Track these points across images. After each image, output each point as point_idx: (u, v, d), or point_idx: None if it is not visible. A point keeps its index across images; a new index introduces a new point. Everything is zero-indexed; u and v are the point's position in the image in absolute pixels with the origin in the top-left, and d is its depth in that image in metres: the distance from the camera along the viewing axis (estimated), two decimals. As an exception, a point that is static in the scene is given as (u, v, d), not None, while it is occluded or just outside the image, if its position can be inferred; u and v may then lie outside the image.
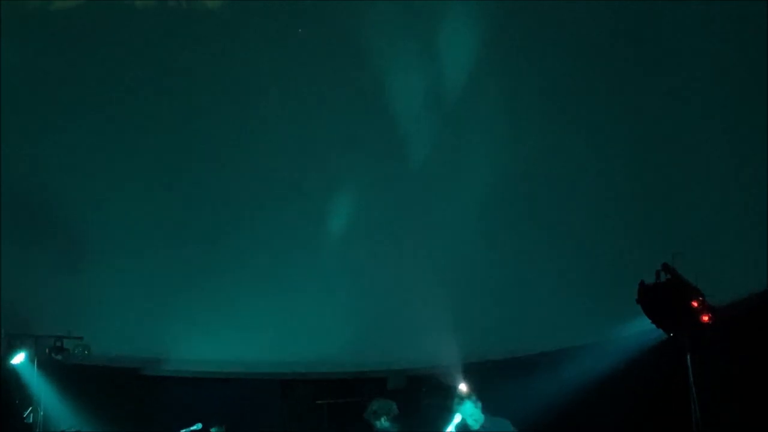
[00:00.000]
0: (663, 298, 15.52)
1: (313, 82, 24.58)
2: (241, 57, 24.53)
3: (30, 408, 21.34)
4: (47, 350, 22.01)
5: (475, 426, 15.89)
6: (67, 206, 23.87)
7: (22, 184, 22.75)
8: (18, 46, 22.81)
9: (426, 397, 24.25)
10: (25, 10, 23.51)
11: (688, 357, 15.42)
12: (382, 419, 18.19)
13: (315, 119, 24.91)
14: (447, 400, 16.93)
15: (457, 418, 16.14)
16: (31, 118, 23.43)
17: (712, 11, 20.36)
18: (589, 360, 21.07)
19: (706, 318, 15.16)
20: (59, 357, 21.97)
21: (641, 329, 17.73)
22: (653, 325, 16.11)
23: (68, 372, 22.26)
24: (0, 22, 22.41)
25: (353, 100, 24.55)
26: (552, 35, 22.28)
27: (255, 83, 24.76)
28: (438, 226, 24.24)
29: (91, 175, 24.55)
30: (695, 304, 15.22)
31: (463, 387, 21.70)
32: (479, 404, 16.03)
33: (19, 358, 21.57)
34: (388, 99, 23.97)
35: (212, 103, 25.06)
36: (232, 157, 25.40)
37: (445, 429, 16.23)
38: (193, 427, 19.73)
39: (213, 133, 25.18)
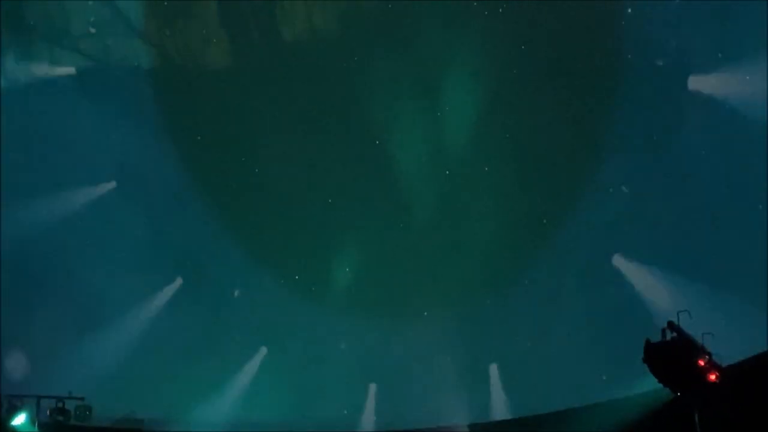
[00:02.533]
0: (669, 357, 15.29)
1: (318, 141, 24.73)
2: (245, 115, 24.74)
3: (30, 470, 21.02)
4: (48, 411, 21.78)
5: None
6: (69, 268, 23.93)
7: (23, 245, 22.78)
8: (21, 108, 23.11)
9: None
10: (29, 74, 23.80)
11: (696, 416, 15.18)
12: None
13: (319, 181, 25.02)
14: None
15: None
16: (32, 183, 23.58)
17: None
18: (598, 420, 20.75)
19: (713, 377, 14.92)
20: (60, 418, 21.72)
21: (649, 388, 17.50)
22: (660, 384, 15.89)
23: (70, 433, 21.98)
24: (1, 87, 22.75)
25: (357, 160, 24.64)
26: (554, 91, 22.42)
27: (258, 143, 24.94)
28: (444, 283, 24.16)
29: (94, 236, 24.65)
30: (702, 362, 14.99)
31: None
32: None
33: (19, 420, 21.24)
34: (392, 158, 24.12)
35: (214, 163, 25.22)
36: (233, 219, 25.49)
37: None
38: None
39: (214, 193, 25.31)
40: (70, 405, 22.21)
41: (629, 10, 22.32)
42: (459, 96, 23.41)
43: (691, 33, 21.79)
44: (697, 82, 21.48)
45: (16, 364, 22.06)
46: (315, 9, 24.51)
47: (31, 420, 21.18)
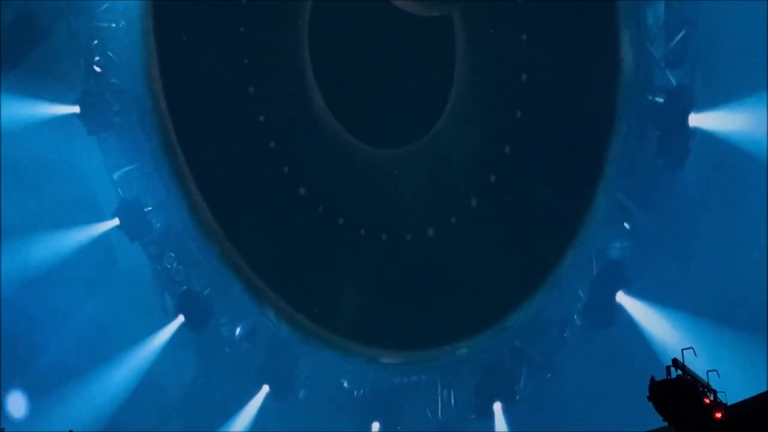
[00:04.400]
0: (674, 395, 15.16)
1: (324, 171, 24.87)
2: (249, 151, 24.87)
3: None
4: (48, 450, 21.75)
5: None
6: (71, 306, 23.99)
7: (25, 283, 22.85)
8: (24, 146, 23.31)
9: None
10: (32, 112, 24.01)
11: (703, 455, 15.02)
12: None
13: (326, 215, 25.10)
14: None
15: None
16: (34, 221, 23.70)
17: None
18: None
19: (718, 415, 14.79)
20: (60, 457, 21.68)
21: (653, 427, 17.41)
22: (665, 423, 15.77)
23: (70, 472, 21.91)
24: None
25: (367, 190, 24.75)
26: (551, 131, 22.53)
27: (262, 177, 25.05)
28: (448, 319, 24.14)
29: (96, 273, 24.77)
30: (707, 400, 14.87)
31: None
32: None
33: (19, 459, 21.23)
34: (401, 190, 24.23)
35: (218, 200, 25.33)
36: (236, 256, 25.53)
37: None
38: None
39: (217, 230, 25.40)
40: (70, 444, 22.10)
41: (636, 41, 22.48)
42: (459, 137, 23.57)
43: (691, 70, 21.91)
44: (697, 119, 21.57)
45: (17, 402, 22.02)
46: (322, 43, 24.69)
47: (31, 459, 21.16)
